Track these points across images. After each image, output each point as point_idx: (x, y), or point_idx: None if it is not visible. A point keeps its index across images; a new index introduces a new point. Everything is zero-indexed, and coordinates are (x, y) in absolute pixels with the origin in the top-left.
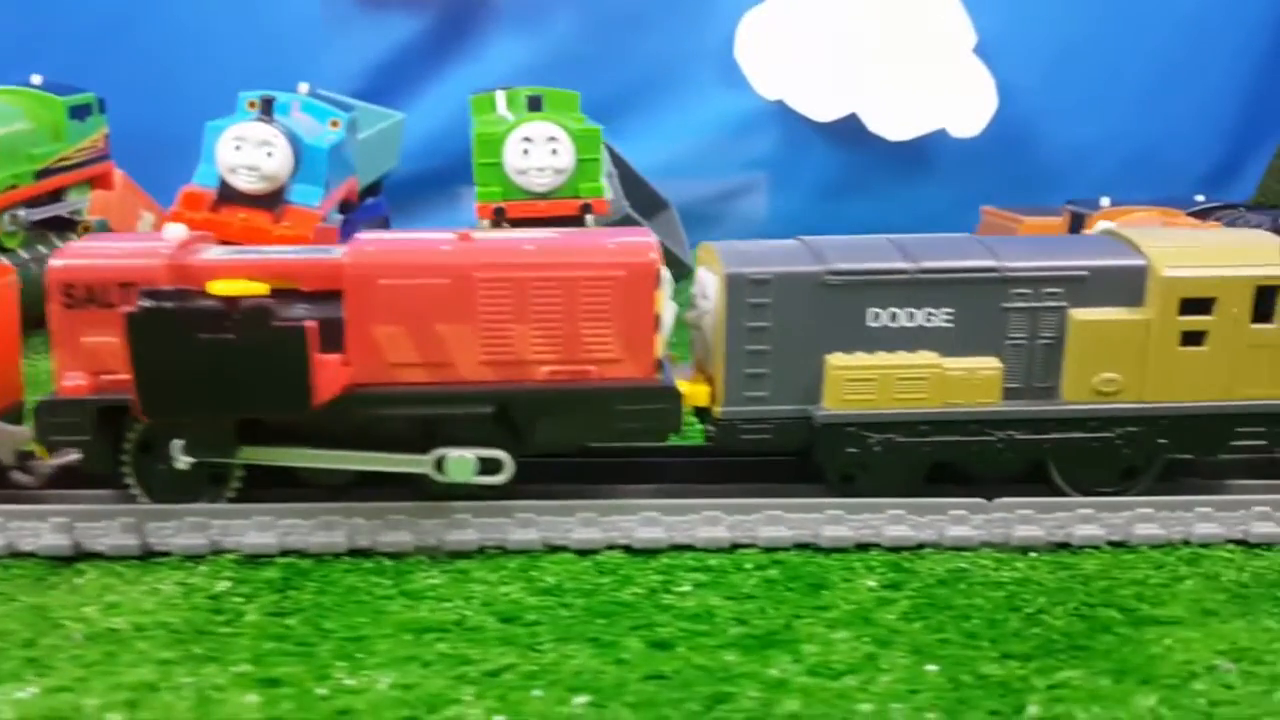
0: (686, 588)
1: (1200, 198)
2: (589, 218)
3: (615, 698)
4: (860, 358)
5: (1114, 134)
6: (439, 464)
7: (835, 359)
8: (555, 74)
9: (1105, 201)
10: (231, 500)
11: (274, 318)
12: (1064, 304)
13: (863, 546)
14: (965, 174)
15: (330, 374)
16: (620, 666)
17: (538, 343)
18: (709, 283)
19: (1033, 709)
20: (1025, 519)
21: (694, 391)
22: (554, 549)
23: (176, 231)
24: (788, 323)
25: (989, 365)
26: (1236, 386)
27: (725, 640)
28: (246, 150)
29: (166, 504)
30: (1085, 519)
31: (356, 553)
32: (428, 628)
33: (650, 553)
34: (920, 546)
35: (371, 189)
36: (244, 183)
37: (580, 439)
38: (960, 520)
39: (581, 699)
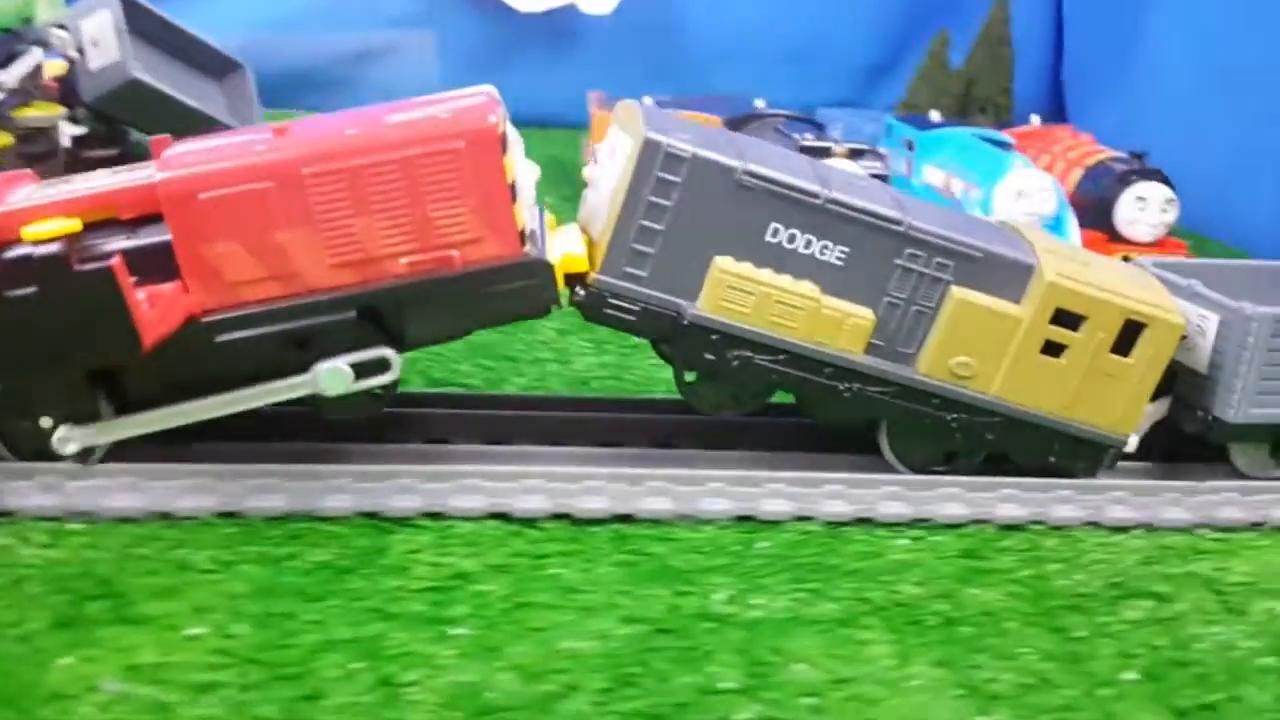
0: None
1: (760, 102)
2: None
3: None
4: (748, 268)
5: (767, 26)
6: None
7: (724, 262)
8: None
9: (648, 101)
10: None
11: (73, 262)
12: (949, 278)
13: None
14: (604, 57)
15: (165, 306)
16: None
17: (388, 234)
18: (621, 144)
19: None
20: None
21: (570, 258)
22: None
23: None
24: (690, 209)
25: (863, 315)
26: (1075, 406)
27: None
28: None
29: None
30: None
31: None
32: None
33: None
34: None
35: None
36: None
37: (455, 328)
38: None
39: None
